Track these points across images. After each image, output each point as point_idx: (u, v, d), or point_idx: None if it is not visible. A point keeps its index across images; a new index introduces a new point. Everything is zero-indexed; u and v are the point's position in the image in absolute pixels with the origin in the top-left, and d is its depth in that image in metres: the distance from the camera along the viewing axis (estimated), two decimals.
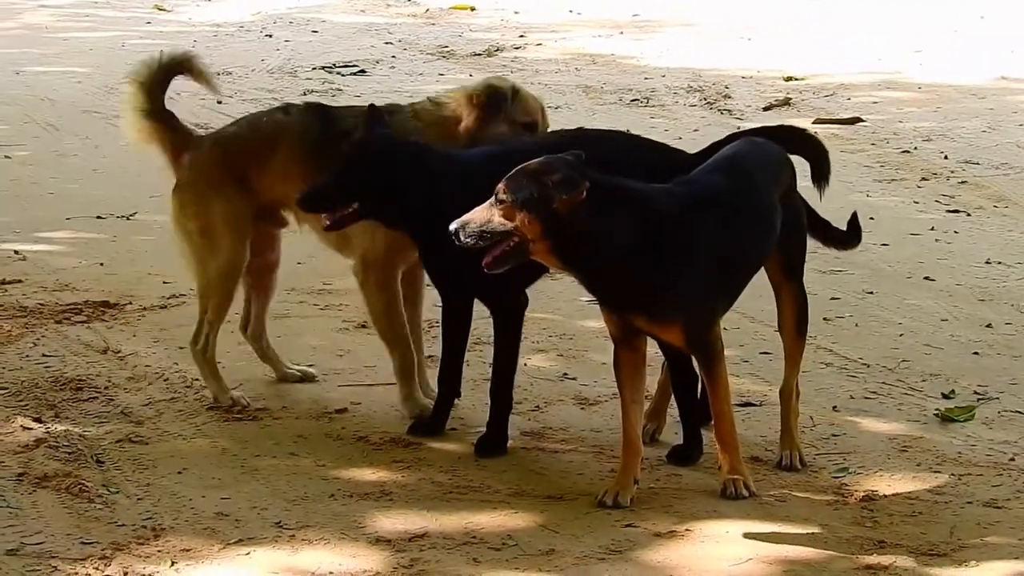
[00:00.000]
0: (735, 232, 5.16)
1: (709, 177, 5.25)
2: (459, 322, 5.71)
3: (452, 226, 4.90)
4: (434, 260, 5.58)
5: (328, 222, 5.45)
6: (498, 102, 5.89)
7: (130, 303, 7.20)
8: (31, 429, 5.68)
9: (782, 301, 5.53)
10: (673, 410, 5.70)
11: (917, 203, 9.39)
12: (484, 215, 4.90)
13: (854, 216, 5.82)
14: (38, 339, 6.67)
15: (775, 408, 5.94)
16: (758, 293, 7.44)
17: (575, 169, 4.92)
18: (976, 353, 6.71)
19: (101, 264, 7.89)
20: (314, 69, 13.53)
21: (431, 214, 5.36)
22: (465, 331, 5.73)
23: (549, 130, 6.00)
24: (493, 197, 4.90)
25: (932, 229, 8.75)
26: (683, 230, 5.03)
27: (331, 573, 4.66)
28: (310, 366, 6.39)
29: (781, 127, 6.05)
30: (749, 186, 5.29)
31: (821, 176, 5.71)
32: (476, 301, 5.70)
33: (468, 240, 4.90)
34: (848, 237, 5.83)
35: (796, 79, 13.29)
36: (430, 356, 6.27)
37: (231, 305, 6.06)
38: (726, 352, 5.16)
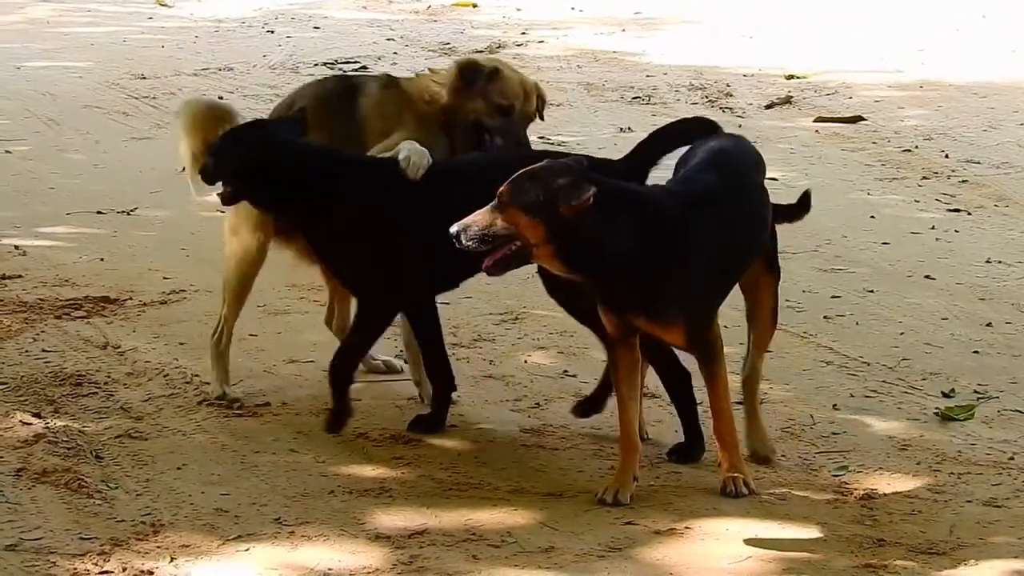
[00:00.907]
0: (733, 230, 5.18)
1: (705, 176, 5.24)
2: (423, 315, 5.71)
3: (453, 229, 4.89)
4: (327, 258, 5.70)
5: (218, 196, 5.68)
6: (471, 78, 5.88)
7: (130, 299, 7.20)
8: (30, 424, 5.68)
9: (761, 292, 5.53)
10: (660, 409, 5.70)
11: (918, 202, 9.38)
12: (486, 218, 4.89)
13: (806, 192, 5.77)
14: (38, 334, 6.67)
15: (774, 406, 5.96)
16: None
17: (580, 173, 4.91)
18: (976, 352, 6.70)
19: (101, 259, 7.88)
20: (316, 65, 13.50)
21: (315, 211, 5.53)
22: (432, 322, 5.73)
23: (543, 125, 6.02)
24: (496, 199, 4.90)
25: (933, 228, 8.75)
26: (685, 230, 5.04)
27: (330, 569, 4.66)
28: (309, 362, 6.40)
29: (695, 118, 5.92)
30: (742, 184, 5.31)
31: None
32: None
33: (469, 243, 4.89)
34: (795, 210, 5.78)
35: (798, 77, 13.27)
36: None
37: (245, 300, 6.07)
38: (726, 350, 5.16)
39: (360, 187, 5.55)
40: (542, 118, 6.09)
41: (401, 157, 5.53)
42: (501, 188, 4.91)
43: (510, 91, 5.92)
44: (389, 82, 6.04)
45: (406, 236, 5.50)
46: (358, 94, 5.96)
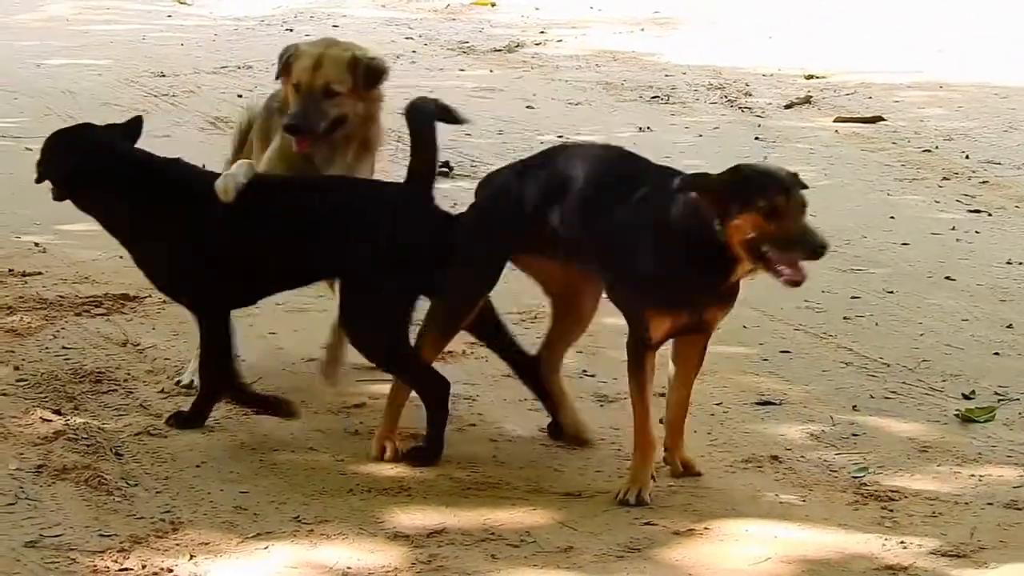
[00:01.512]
0: None
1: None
2: (214, 324, 5.67)
3: (822, 243, 4.97)
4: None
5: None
6: (280, 66, 5.81)
7: (150, 296, 7.19)
8: (50, 421, 5.69)
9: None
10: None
11: (938, 203, 9.36)
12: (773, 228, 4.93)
13: None
14: (58, 331, 6.68)
15: (794, 407, 5.95)
16: (777, 291, 7.42)
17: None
18: (997, 353, 6.69)
19: (121, 257, 7.84)
20: None
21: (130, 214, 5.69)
22: (219, 332, 5.65)
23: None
24: (753, 206, 4.87)
25: (953, 229, 8.73)
26: None
27: (349, 568, 4.66)
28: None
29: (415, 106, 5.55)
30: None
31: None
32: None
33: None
34: None
35: (817, 77, 13.26)
36: (450, 351, 6.26)
37: None
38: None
39: (164, 196, 5.61)
40: (367, 88, 5.73)
41: (217, 182, 5.49)
42: (761, 199, 4.87)
43: (298, 67, 5.73)
44: None
45: (204, 248, 5.54)
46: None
